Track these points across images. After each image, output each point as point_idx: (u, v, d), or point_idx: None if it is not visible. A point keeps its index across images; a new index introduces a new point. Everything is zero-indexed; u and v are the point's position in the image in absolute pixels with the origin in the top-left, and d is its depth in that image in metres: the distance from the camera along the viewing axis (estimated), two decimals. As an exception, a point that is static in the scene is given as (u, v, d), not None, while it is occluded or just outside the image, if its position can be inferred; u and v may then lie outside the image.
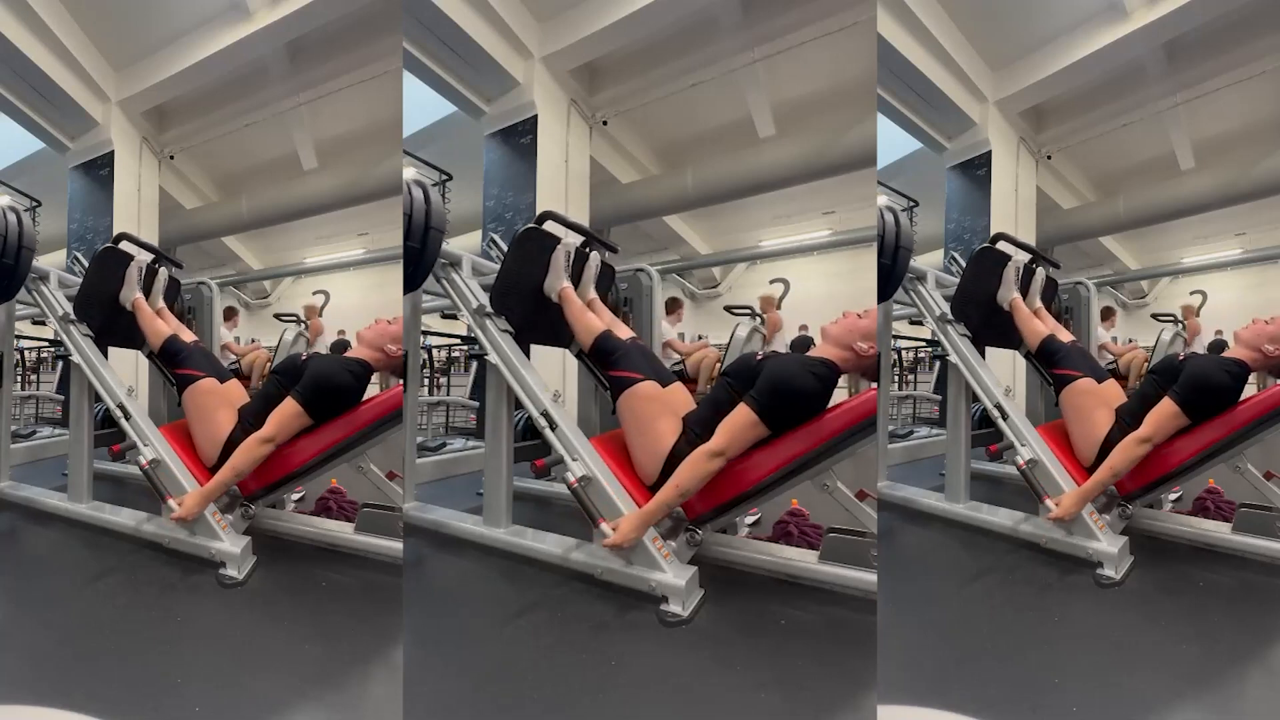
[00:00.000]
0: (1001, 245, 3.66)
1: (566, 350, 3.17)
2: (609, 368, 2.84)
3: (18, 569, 3.12)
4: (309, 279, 7.14)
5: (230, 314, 6.33)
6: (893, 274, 3.50)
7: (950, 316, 3.60)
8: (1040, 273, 3.69)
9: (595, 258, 3.16)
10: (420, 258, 3.02)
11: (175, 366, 3.30)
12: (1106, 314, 6.31)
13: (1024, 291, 3.61)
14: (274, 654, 2.33)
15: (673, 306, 6.09)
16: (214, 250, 7.35)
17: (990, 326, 3.63)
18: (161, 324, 3.46)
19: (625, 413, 2.79)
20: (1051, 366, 3.40)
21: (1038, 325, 3.47)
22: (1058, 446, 3.26)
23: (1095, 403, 3.24)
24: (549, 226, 3.09)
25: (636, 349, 2.89)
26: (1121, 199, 6.84)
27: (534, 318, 3.10)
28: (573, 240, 3.11)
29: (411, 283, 3.11)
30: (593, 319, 2.98)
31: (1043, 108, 6.41)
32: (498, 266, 3.20)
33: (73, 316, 3.50)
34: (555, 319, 3.06)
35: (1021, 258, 3.64)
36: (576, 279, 3.09)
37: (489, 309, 3.06)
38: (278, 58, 5.81)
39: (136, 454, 3.15)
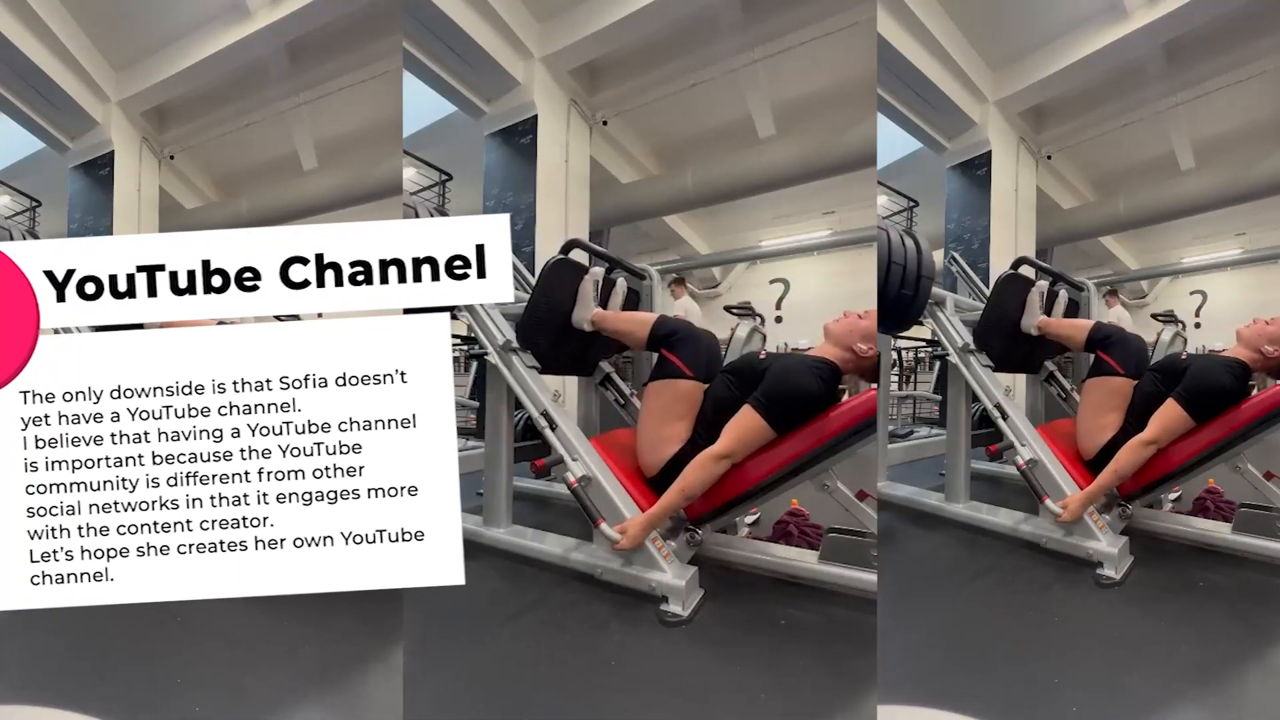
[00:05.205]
0: (1024, 270, 3.66)
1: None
2: (666, 347, 2.79)
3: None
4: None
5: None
6: (914, 303, 3.34)
7: (973, 346, 3.56)
8: (1063, 294, 3.71)
9: (621, 284, 3.19)
10: None
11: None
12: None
13: (1046, 314, 3.66)
14: (273, 654, 2.33)
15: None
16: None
17: (1012, 354, 3.66)
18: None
19: (652, 398, 2.79)
20: (1101, 349, 3.34)
21: (1077, 321, 3.56)
22: (1058, 446, 3.26)
23: (1118, 404, 3.23)
24: (575, 255, 3.10)
25: (702, 336, 2.83)
26: (1121, 199, 6.84)
27: (558, 350, 3.10)
28: (599, 270, 3.13)
29: None
30: (637, 314, 3.07)
31: (1043, 108, 6.40)
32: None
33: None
34: (578, 349, 3.11)
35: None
36: (602, 307, 3.11)
37: (515, 344, 2.99)
38: (278, 58, 5.81)
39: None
